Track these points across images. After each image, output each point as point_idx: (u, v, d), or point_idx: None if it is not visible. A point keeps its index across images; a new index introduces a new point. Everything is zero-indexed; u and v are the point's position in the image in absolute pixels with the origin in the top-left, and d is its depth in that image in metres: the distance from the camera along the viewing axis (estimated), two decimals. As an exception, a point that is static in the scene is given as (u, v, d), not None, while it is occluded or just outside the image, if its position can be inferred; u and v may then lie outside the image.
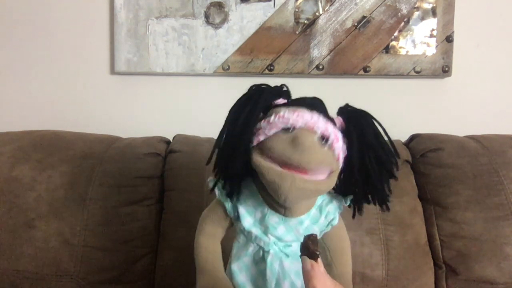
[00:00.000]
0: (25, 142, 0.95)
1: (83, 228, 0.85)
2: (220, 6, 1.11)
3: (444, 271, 0.87)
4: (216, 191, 0.57)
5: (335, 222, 0.57)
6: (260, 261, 0.55)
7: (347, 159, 0.52)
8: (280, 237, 0.54)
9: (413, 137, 1.02)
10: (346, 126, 0.52)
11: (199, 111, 1.15)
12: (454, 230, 0.86)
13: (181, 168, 0.92)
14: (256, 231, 0.54)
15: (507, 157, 0.90)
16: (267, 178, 0.49)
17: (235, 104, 0.52)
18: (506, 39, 1.14)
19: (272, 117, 0.49)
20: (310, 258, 0.48)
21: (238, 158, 0.50)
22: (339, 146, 0.50)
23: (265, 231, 0.54)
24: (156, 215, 0.91)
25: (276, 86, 0.54)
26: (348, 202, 0.58)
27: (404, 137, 1.04)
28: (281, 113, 0.49)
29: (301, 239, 0.51)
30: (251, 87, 0.53)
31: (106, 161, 0.91)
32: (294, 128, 0.48)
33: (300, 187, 0.48)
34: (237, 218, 0.56)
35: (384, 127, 0.55)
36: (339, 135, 0.50)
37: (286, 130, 0.48)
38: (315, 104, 0.52)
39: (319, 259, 0.49)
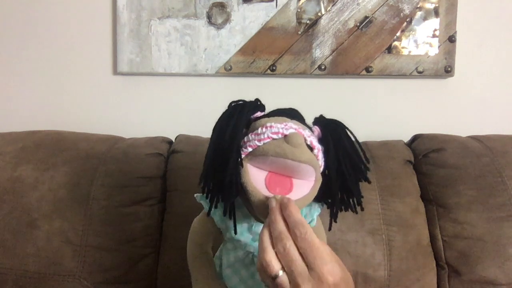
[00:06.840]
0: (28, 142, 0.95)
1: (86, 228, 0.85)
2: (222, 6, 1.11)
3: (446, 271, 0.87)
4: (204, 205, 0.59)
5: (313, 223, 0.60)
6: (249, 264, 0.58)
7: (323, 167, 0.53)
8: None
9: (416, 137, 1.01)
10: (323, 134, 0.53)
11: (201, 112, 1.15)
12: (457, 231, 0.86)
13: (184, 168, 0.92)
14: (244, 239, 0.57)
15: (510, 157, 0.90)
16: (252, 200, 0.49)
17: (218, 122, 0.52)
18: (509, 39, 1.14)
19: (260, 129, 0.49)
20: None
21: (228, 173, 0.49)
22: (321, 156, 0.51)
23: (253, 238, 0.57)
24: (158, 215, 0.91)
25: (251, 101, 0.54)
26: (324, 206, 0.59)
27: (406, 137, 1.03)
28: (268, 124, 0.49)
29: None
30: (230, 103, 0.54)
31: (109, 161, 0.91)
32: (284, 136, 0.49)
33: None
34: (226, 228, 0.58)
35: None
36: (320, 147, 0.52)
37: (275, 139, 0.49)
38: (295, 115, 0.53)
39: None
